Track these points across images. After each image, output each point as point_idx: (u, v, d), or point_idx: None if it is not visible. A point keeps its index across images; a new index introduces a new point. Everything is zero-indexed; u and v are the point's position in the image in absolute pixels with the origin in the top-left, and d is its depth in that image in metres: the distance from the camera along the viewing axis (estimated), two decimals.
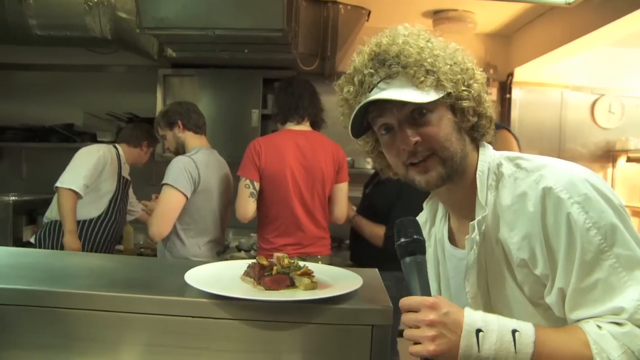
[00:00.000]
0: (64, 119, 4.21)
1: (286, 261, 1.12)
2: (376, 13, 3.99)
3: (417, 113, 1.06)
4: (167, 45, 3.57)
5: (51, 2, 3.55)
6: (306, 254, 2.77)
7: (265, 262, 1.11)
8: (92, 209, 3.24)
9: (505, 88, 4.42)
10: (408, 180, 1.14)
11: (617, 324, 0.96)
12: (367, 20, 4.05)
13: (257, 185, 2.69)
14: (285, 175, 2.69)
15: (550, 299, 1.04)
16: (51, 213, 3.25)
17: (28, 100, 4.38)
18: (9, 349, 1.05)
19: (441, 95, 1.06)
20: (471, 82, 1.10)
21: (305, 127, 2.82)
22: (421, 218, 1.35)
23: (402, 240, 1.05)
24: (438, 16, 3.98)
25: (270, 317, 1.02)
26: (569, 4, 2.45)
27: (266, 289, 1.06)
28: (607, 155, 4.44)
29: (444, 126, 1.08)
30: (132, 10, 3.51)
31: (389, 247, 2.87)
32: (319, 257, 2.86)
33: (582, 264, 0.98)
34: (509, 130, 2.62)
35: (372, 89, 1.08)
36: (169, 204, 2.63)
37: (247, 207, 2.67)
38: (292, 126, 2.80)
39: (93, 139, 4.11)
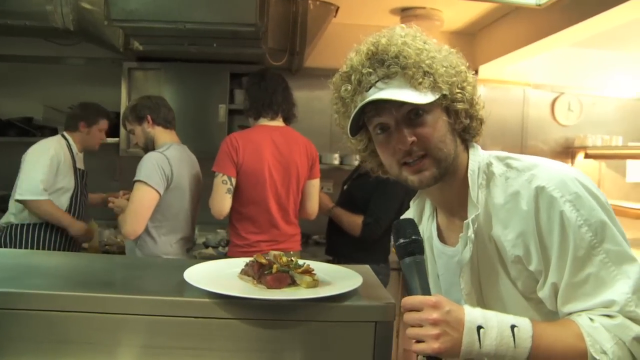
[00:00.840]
0: (22, 112, 4.05)
1: (284, 259, 1.12)
2: (344, 9, 4.00)
3: (413, 114, 1.08)
4: (135, 38, 3.47)
5: None
6: (279, 250, 2.77)
7: (263, 261, 1.11)
8: None
9: None
10: (401, 179, 1.15)
11: (609, 316, 1.00)
12: (335, 16, 4.06)
13: (234, 181, 2.65)
14: (263, 172, 2.67)
15: (543, 293, 1.08)
16: (8, 218, 3.12)
17: None
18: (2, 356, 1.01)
19: (437, 96, 1.08)
20: (464, 84, 1.12)
21: (279, 122, 2.80)
22: (408, 216, 1.36)
23: (401, 241, 1.07)
24: (406, 13, 4.02)
25: (273, 316, 1.01)
26: (539, 5, 2.52)
27: (268, 288, 1.05)
28: (566, 152, 4.60)
29: (439, 127, 1.10)
30: (96, 1, 3.41)
31: (366, 235, 2.94)
32: (292, 253, 2.86)
33: (575, 260, 1.02)
34: None
35: (370, 88, 1.09)
36: (142, 202, 2.57)
37: (223, 203, 2.63)
38: (266, 122, 2.78)
39: (54, 133, 3.95)
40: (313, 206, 2.93)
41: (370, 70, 1.08)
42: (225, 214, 2.67)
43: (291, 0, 3.83)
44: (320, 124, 4.45)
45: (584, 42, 3.58)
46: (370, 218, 2.92)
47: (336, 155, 4.29)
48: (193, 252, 3.81)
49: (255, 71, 2.98)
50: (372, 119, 1.12)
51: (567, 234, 1.03)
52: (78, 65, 4.26)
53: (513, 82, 4.53)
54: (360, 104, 1.08)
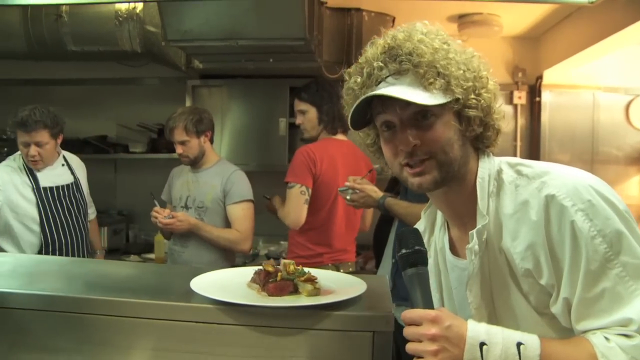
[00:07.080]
0: (97, 131, 4.35)
1: (292, 267, 1.13)
2: (401, 19, 3.98)
3: (420, 115, 1.04)
4: (194, 56, 3.65)
5: (84, 18, 3.68)
6: (339, 260, 2.81)
7: (271, 269, 1.13)
8: None
9: (534, 91, 4.34)
10: (401, 179, 1.12)
11: (626, 335, 0.94)
12: (392, 27, 4.05)
13: (310, 192, 2.70)
14: (337, 185, 2.72)
15: (556, 309, 1.02)
16: None
17: (64, 113, 4.51)
18: (25, 352, 1.09)
19: (448, 99, 1.03)
20: (482, 91, 1.06)
21: (344, 136, 2.86)
22: (419, 227, 1.29)
23: (404, 251, 1.02)
24: (463, 20, 3.95)
25: (272, 323, 1.03)
26: (592, 2, 2.39)
27: (269, 295, 1.07)
28: None
29: (446, 132, 1.05)
30: (160, 23, 3.61)
31: None
32: (349, 263, 2.90)
33: (588, 274, 0.96)
34: None
35: (380, 82, 1.05)
36: (253, 218, 2.88)
37: (302, 213, 2.68)
38: (339, 136, 2.84)
39: (125, 150, 4.23)
40: (369, 219, 3.00)
41: (382, 64, 1.05)
42: (301, 224, 2.71)
43: (345, 13, 3.87)
44: None
45: None
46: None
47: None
48: (255, 262, 3.91)
49: (312, 82, 2.95)
50: (378, 115, 1.09)
51: (579, 246, 0.96)
52: (148, 85, 4.52)
53: (582, 86, 4.30)
54: (361, 98, 1.05)
